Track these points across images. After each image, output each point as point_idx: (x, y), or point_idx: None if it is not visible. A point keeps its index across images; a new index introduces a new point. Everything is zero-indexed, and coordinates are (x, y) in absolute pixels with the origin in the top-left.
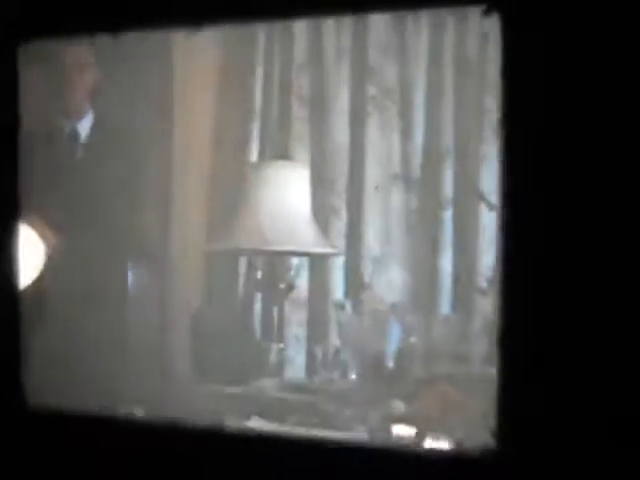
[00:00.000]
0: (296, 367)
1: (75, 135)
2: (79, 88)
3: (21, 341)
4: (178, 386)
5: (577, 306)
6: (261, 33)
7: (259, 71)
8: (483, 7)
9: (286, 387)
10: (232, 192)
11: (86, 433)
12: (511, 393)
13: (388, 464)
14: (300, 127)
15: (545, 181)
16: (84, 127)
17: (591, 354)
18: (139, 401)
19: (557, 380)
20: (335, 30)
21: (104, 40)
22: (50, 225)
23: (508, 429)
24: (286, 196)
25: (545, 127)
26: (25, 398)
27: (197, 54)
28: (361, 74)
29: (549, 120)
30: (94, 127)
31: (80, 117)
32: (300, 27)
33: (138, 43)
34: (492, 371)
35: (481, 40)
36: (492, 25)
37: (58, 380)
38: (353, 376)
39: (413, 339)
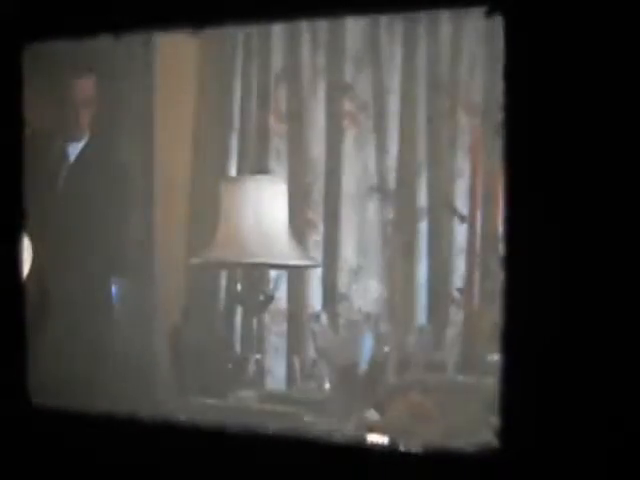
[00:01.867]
0: (276, 378)
1: (65, 155)
2: (84, 118)
3: (25, 340)
4: (159, 398)
5: (579, 306)
6: (239, 48)
7: (237, 87)
8: (485, 8)
9: (264, 398)
10: (211, 206)
11: (89, 432)
12: (513, 394)
13: (387, 464)
14: (278, 142)
15: (546, 184)
16: (75, 148)
17: (593, 354)
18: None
19: (559, 381)
20: (311, 45)
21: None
22: (37, 237)
23: (510, 429)
24: (264, 209)
25: (548, 129)
26: (29, 397)
27: (176, 70)
28: (337, 89)
29: (552, 122)
30: (84, 149)
31: (76, 140)
32: (277, 42)
33: (121, 59)
34: (465, 379)
35: (455, 53)
36: (467, 37)
37: (60, 382)
38: (327, 386)
39: (387, 348)
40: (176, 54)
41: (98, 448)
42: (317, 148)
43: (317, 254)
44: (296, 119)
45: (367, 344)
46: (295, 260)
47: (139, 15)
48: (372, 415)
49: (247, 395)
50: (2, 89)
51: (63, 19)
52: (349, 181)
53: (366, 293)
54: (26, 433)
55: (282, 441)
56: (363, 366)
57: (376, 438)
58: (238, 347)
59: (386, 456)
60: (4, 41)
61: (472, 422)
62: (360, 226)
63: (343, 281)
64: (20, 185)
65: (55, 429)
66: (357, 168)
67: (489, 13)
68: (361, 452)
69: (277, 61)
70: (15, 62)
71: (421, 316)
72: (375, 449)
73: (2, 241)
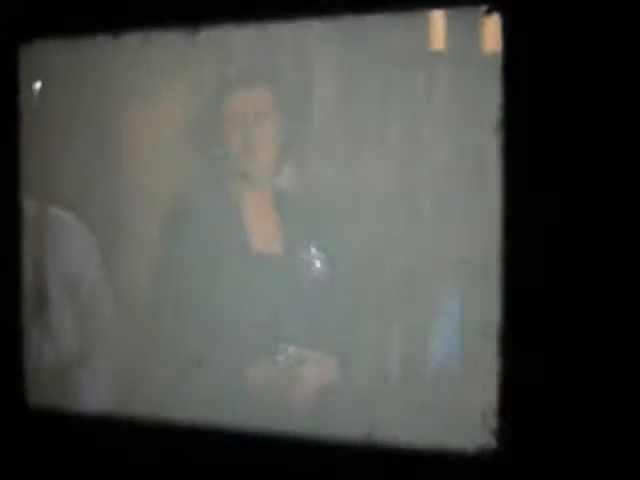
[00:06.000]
0: None
1: None
2: None
3: (23, 340)
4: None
5: (576, 303)
6: None
7: None
8: (484, 7)
9: None
10: None
11: (85, 433)
12: (511, 392)
13: (386, 462)
14: None
15: (544, 178)
16: None
17: (592, 352)
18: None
19: (557, 378)
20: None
21: None
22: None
23: (508, 428)
24: None
25: (545, 125)
26: (26, 398)
27: None
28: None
29: (549, 118)
30: None
31: None
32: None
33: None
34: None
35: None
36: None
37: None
38: None
39: None
40: None
41: (96, 449)
42: None
43: None
44: None
45: None
46: None
47: (137, 15)
48: None
49: None
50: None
51: (61, 19)
52: None
53: None
54: (23, 434)
55: (283, 440)
56: None
57: None
58: None
59: (386, 455)
60: (2, 40)
61: None
62: None
63: None
64: (17, 178)
65: (52, 430)
66: None
67: (488, 12)
68: (361, 451)
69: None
70: (13, 61)
71: None
72: (375, 448)
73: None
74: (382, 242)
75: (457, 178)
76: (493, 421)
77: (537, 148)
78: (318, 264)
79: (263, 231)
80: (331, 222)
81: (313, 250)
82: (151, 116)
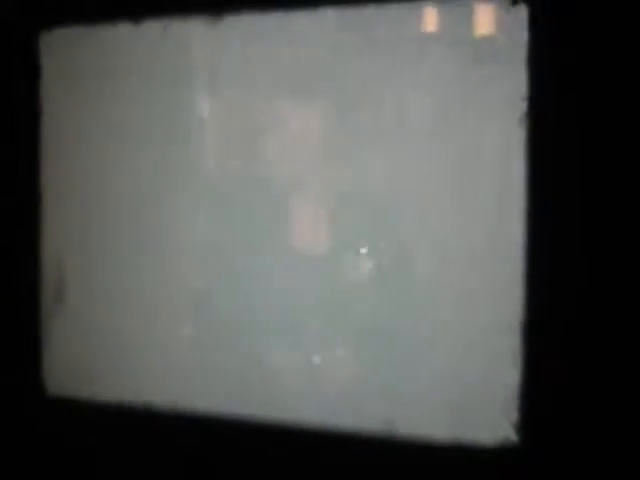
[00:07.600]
0: None
1: None
2: None
3: (41, 329)
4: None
5: (601, 300)
6: None
7: None
8: None
9: None
10: None
11: (103, 421)
12: (533, 388)
13: (404, 456)
14: None
15: (569, 171)
16: None
17: (616, 347)
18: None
19: (579, 373)
20: None
21: None
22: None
23: (530, 423)
24: None
25: (571, 116)
26: (44, 386)
27: None
28: None
29: (575, 109)
30: None
31: None
32: None
33: None
34: None
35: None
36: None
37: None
38: None
39: None
40: None
41: (113, 437)
42: None
43: None
44: None
45: None
46: None
47: (158, 2)
48: None
49: None
50: (20, 75)
51: (81, 6)
52: None
53: None
54: (41, 423)
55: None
56: None
57: None
58: None
59: (405, 447)
60: (22, 27)
61: None
62: None
63: None
64: (37, 170)
65: (69, 418)
66: None
67: (514, 2)
68: (380, 443)
69: None
70: (33, 48)
71: None
72: (395, 440)
73: (19, 229)
74: (415, 240)
75: (482, 171)
76: (514, 415)
77: (562, 140)
78: (360, 264)
79: (309, 231)
80: (376, 221)
81: (358, 250)
82: (173, 104)
